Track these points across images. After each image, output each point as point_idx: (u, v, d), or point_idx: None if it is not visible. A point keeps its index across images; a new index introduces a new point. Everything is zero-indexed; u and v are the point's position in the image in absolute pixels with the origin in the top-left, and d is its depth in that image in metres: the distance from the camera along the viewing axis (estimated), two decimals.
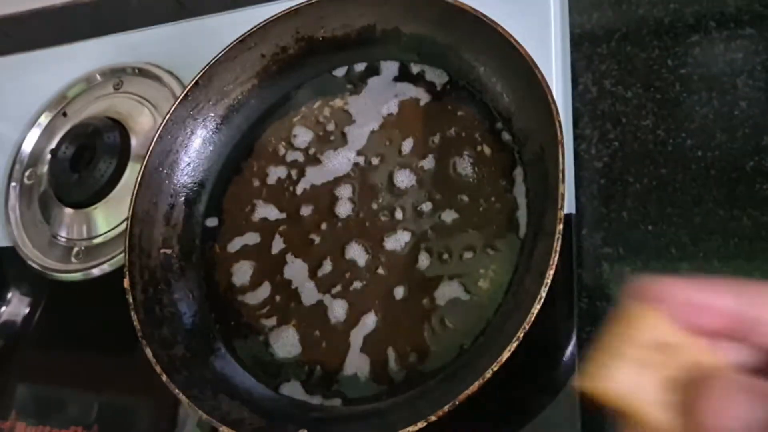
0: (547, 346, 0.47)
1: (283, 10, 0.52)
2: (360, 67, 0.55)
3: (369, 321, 0.47)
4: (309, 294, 0.50)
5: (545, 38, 0.52)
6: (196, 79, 0.53)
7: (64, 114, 0.71)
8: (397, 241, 0.49)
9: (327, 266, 0.50)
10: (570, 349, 0.46)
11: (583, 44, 0.55)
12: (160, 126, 0.52)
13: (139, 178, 0.51)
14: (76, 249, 0.64)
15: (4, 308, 0.66)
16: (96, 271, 0.62)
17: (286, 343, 0.49)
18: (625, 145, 0.52)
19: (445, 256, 0.47)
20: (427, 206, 0.49)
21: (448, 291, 0.46)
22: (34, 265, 0.66)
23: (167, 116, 0.53)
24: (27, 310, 0.65)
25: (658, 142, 0.51)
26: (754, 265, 0.46)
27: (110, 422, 0.57)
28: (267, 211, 0.54)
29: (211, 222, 0.55)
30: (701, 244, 0.47)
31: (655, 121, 0.52)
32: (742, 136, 0.49)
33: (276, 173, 0.55)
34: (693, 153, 0.50)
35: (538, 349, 0.46)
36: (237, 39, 0.53)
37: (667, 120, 0.51)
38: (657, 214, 0.49)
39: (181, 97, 0.53)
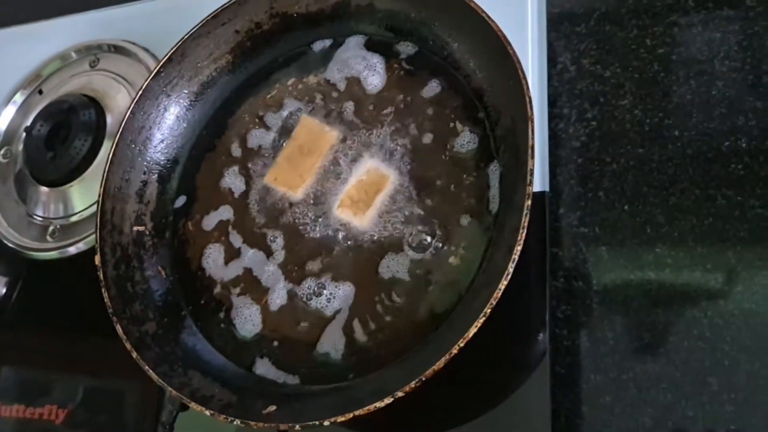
0: (520, 325, 0.47)
1: None
2: (333, 42, 0.55)
3: (340, 297, 0.47)
4: (274, 271, 0.50)
5: (521, 17, 0.52)
6: (169, 54, 0.53)
7: (40, 92, 0.70)
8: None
9: (298, 243, 0.50)
10: (543, 328, 0.46)
11: (561, 23, 0.55)
12: (132, 102, 0.52)
13: (110, 155, 0.51)
14: (51, 227, 0.64)
15: None
16: (72, 250, 0.62)
17: (252, 320, 0.49)
18: (603, 124, 0.52)
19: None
20: None
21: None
22: (9, 244, 0.65)
23: (140, 92, 0.52)
24: (3, 290, 0.65)
25: (636, 121, 0.51)
26: (728, 244, 0.46)
27: (87, 401, 0.57)
28: (238, 185, 0.53)
29: (181, 201, 0.55)
30: (676, 224, 0.48)
31: (632, 100, 0.52)
32: (718, 116, 0.49)
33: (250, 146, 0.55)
34: (670, 133, 0.50)
35: (511, 329, 0.47)
36: (210, 14, 0.53)
37: (645, 100, 0.51)
38: (633, 194, 0.49)
39: (153, 73, 0.52)
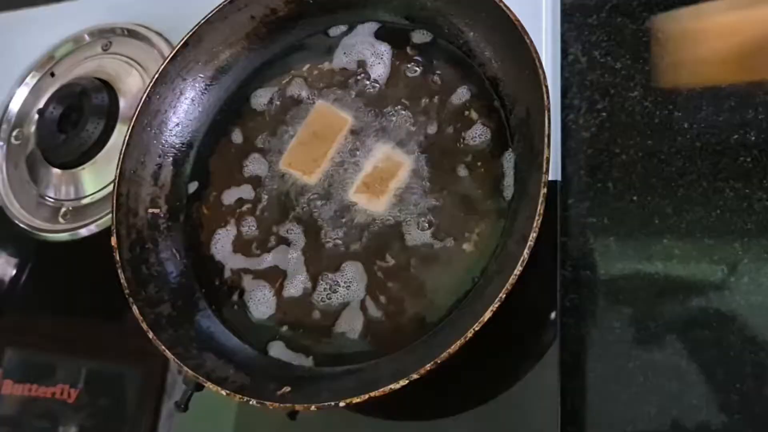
0: (530, 313, 0.47)
1: None
2: (348, 28, 0.55)
3: (356, 281, 0.48)
4: (294, 255, 0.50)
5: (536, 8, 0.52)
6: (185, 39, 0.53)
7: (52, 74, 0.71)
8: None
9: (314, 228, 0.50)
10: (552, 317, 0.47)
11: (573, 15, 0.55)
12: (148, 85, 0.52)
13: (126, 137, 0.51)
14: (63, 209, 0.65)
15: None
16: (83, 232, 0.62)
17: (266, 303, 0.49)
18: (613, 115, 0.52)
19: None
20: None
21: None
22: (21, 225, 0.66)
23: (156, 75, 0.52)
24: (14, 271, 0.65)
25: (645, 113, 0.51)
26: (735, 236, 0.46)
27: (97, 383, 0.57)
28: (256, 168, 0.54)
29: (194, 185, 0.55)
30: (684, 215, 0.48)
31: (642, 92, 0.52)
32: (727, 108, 0.49)
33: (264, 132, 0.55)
34: (679, 125, 0.50)
35: (522, 317, 0.47)
36: (226, 0, 0.52)
37: (655, 92, 0.52)
38: (642, 185, 0.49)
39: (169, 57, 0.53)
